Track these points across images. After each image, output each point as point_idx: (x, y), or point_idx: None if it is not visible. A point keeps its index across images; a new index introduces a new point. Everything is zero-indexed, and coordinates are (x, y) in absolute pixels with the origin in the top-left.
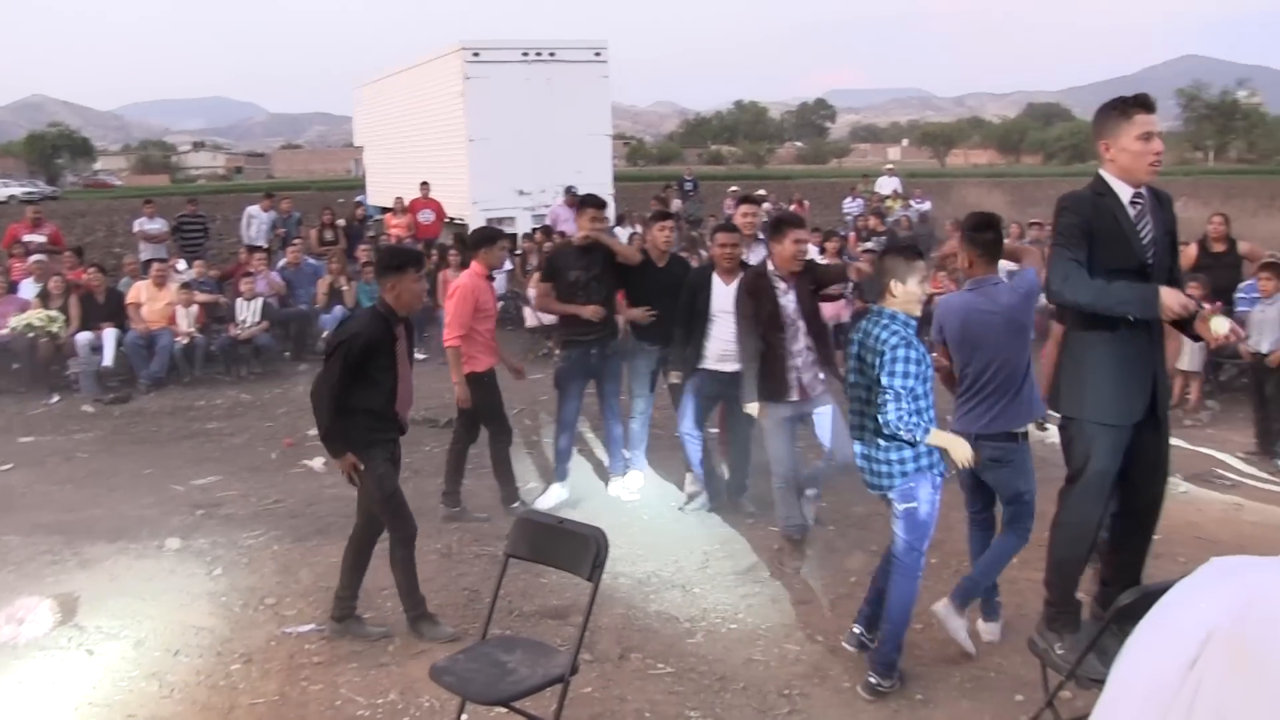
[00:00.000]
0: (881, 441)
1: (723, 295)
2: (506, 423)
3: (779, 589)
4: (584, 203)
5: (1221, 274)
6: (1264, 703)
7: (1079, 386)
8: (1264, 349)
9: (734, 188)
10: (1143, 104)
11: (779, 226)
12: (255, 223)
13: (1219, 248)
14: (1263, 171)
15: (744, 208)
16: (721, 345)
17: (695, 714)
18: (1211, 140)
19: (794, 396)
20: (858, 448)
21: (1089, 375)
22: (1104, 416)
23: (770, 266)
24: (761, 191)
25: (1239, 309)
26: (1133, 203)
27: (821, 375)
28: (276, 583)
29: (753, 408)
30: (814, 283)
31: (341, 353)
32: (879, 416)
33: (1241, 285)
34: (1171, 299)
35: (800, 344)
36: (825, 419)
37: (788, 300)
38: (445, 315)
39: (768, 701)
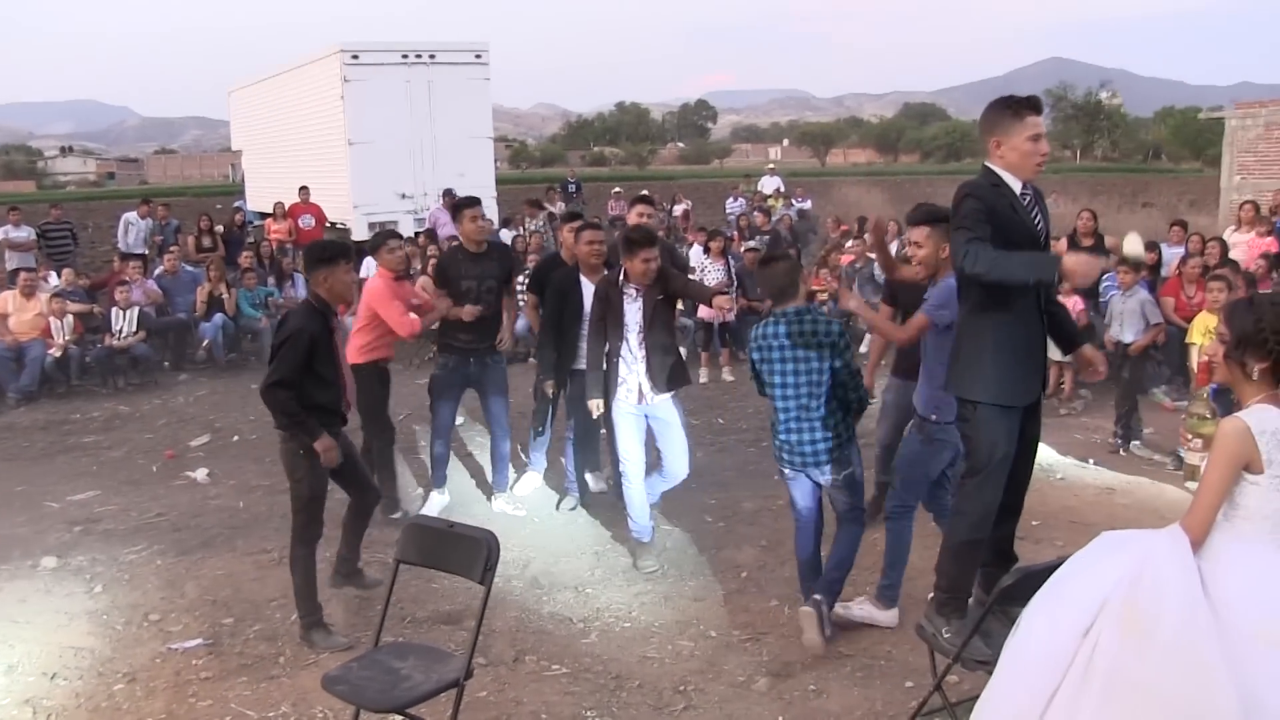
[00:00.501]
0: (826, 423)
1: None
2: (389, 422)
3: (672, 586)
4: (461, 205)
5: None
6: (1152, 664)
7: (980, 370)
8: (1126, 339)
9: (617, 189)
10: (1033, 106)
11: (630, 245)
12: (133, 230)
13: (1087, 242)
14: (1125, 169)
15: (640, 208)
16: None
17: (592, 714)
18: (1078, 139)
19: (634, 399)
20: (805, 435)
21: (987, 358)
22: (1007, 399)
23: (622, 276)
24: (645, 192)
25: (1103, 299)
26: (1023, 194)
27: (654, 383)
28: (161, 598)
29: (594, 404)
30: (662, 293)
31: (290, 346)
32: (842, 397)
33: (1106, 277)
34: (1074, 262)
35: (642, 351)
36: (665, 428)
37: (633, 308)
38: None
39: (663, 698)
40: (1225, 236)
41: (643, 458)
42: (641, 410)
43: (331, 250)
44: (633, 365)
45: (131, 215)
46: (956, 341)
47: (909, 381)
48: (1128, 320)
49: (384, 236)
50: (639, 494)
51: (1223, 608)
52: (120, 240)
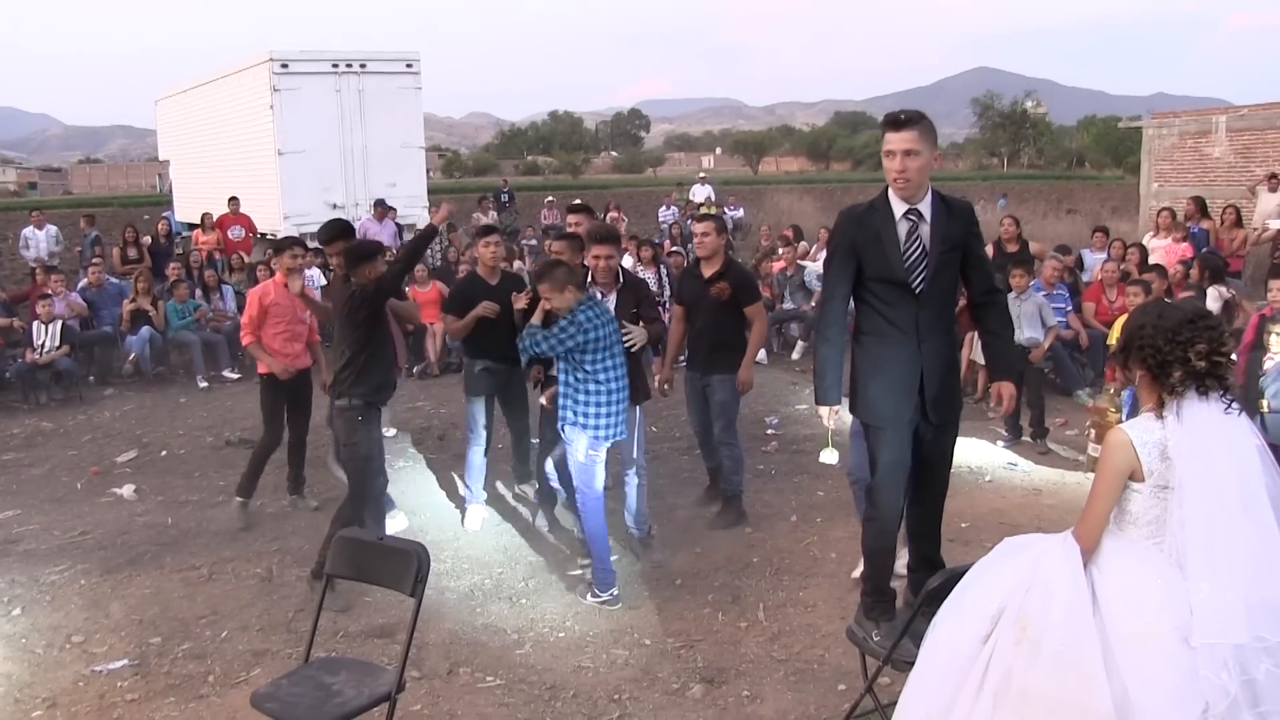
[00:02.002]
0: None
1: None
2: (279, 431)
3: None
4: (478, 233)
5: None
6: (1039, 671)
7: (862, 392)
8: (1022, 341)
9: (550, 198)
10: (889, 122)
11: (588, 241)
12: (34, 243)
13: (1012, 247)
14: (1050, 176)
15: (573, 217)
16: None
17: None
18: (1005, 147)
19: None
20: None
21: (861, 379)
22: (872, 418)
23: (590, 279)
24: (578, 201)
25: None
26: (905, 218)
27: None
28: (84, 619)
29: (545, 397)
30: (635, 307)
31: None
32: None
33: (1031, 283)
34: (820, 411)
35: None
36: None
37: None
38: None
39: (598, 707)
40: (1144, 242)
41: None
42: None
43: (369, 248)
44: None
45: (29, 229)
46: (854, 360)
47: (700, 373)
48: (1025, 322)
49: (280, 244)
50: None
51: (1106, 611)
52: (23, 255)
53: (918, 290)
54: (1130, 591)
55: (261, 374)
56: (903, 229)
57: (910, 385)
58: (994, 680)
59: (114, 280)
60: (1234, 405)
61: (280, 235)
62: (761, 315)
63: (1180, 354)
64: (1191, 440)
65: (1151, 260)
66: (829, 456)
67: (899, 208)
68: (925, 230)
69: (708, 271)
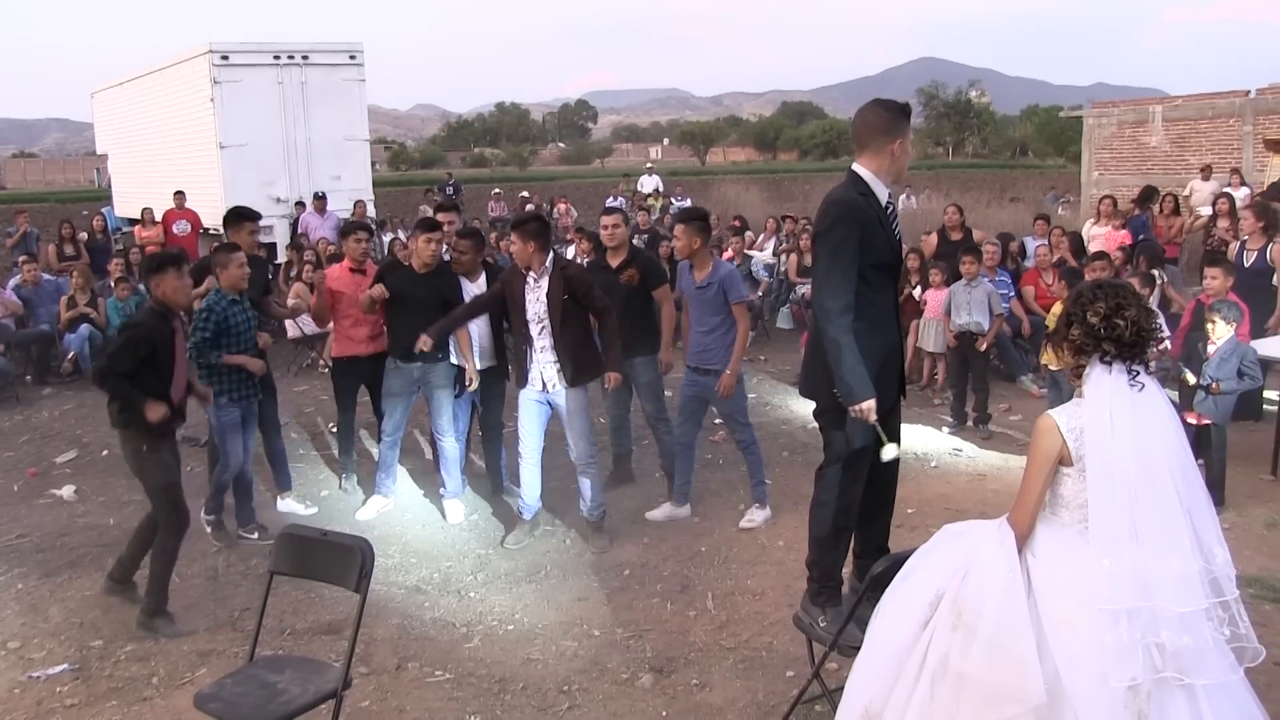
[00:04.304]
0: None
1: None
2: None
3: (555, 587)
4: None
5: (959, 260)
6: (973, 656)
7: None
8: (970, 328)
9: (497, 190)
10: (908, 112)
11: (512, 228)
12: None
13: (956, 236)
14: (994, 165)
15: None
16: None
17: (476, 718)
18: (949, 136)
19: (537, 386)
20: None
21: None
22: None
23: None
24: (497, 190)
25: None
26: (888, 204)
27: (561, 375)
28: (21, 624)
29: (472, 378)
30: (568, 294)
31: (129, 337)
32: None
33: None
34: (863, 409)
35: (542, 341)
36: (566, 416)
37: (532, 298)
38: None
39: (547, 699)
40: (1085, 229)
41: (539, 440)
42: (544, 397)
43: (159, 260)
44: (533, 354)
45: None
46: (814, 345)
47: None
48: (975, 309)
49: (353, 227)
50: (529, 473)
51: (1038, 594)
52: None
53: (900, 272)
54: (1059, 574)
55: (336, 358)
56: (888, 213)
57: (896, 371)
58: (932, 664)
59: (50, 277)
60: (1140, 378)
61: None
62: (668, 297)
63: (1079, 313)
64: (1092, 414)
65: (1092, 248)
66: (891, 452)
67: (882, 194)
68: (896, 216)
69: (615, 261)
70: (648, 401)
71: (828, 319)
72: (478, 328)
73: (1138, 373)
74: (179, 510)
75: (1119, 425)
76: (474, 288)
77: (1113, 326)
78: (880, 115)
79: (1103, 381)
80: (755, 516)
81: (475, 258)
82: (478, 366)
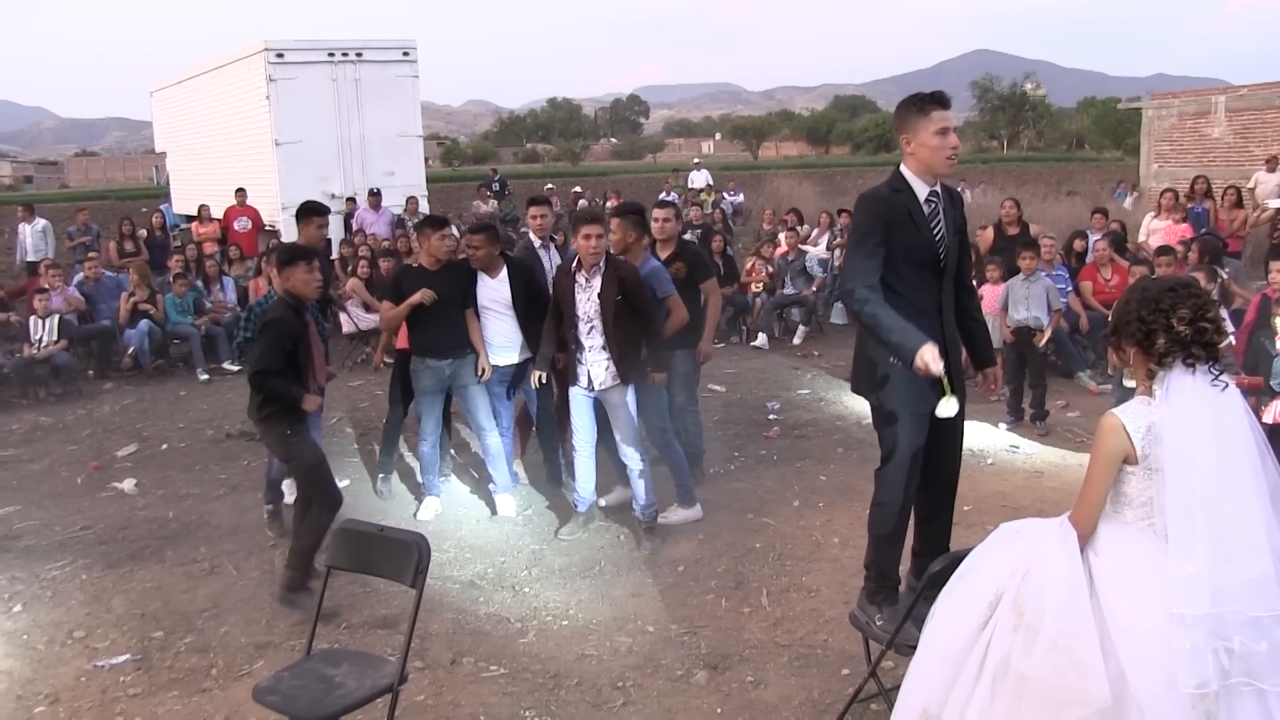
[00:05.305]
0: None
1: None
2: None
3: (609, 583)
4: (426, 224)
5: (1016, 255)
6: (1036, 657)
7: (886, 376)
8: (1029, 323)
9: (549, 185)
10: (938, 100)
11: (574, 223)
12: (31, 239)
13: (1013, 230)
14: (1049, 159)
15: (533, 210)
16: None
17: (530, 713)
18: (1005, 130)
19: (584, 383)
20: None
21: (885, 366)
22: (900, 406)
23: (575, 264)
24: (550, 186)
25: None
26: (927, 201)
27: (610, 372)
28: (86, 614)
29: (535, 376)
30: (620, 294)
31: (268, 333)
32: None
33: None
34: (923, 358)
35: (590, 341)
36: (612, 412)
37: (582, 298)
38: None
39: (602, 695)
40: (1145, 223)
41: (592, 433)
42: (591, 394)
43: (290, 253)
44: (580, 354)
45: (22, 226)
46: (859, 342)
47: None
48: (1033, 304)
49: (436, 223)
50: (583, 466)
51: (1101, 594)
52: (21, 251)
53: (943, 269)
54: (1124, 574)
55: (400, 350)
56: (925, 211)
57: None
58: (992, 665)
59: (111, 274)
60: (1222, 378)
61: (279, 226)
62: (715, 290)
63: (1164, 321)
64: (1174, 418)
65: (1153, 242)
66: (949, 407)
67: (922, 190)
68: (941, 212)
69: (664, 253)
70: (679, 392)
71: (851, 299)
72: (508, 321)
73: (1220, 372)
74: (331, 488)
75: (1202, 428)
76: (495, 283)
77: (1201, 331)
78: (896, 114)
79: (1184, 383)
80: (671, 515)
81: (491, 251)
82: (515, 360)
